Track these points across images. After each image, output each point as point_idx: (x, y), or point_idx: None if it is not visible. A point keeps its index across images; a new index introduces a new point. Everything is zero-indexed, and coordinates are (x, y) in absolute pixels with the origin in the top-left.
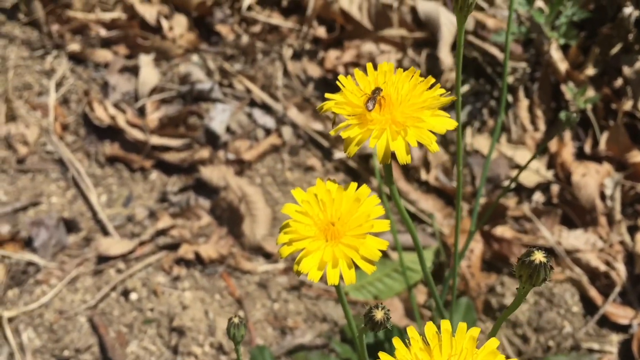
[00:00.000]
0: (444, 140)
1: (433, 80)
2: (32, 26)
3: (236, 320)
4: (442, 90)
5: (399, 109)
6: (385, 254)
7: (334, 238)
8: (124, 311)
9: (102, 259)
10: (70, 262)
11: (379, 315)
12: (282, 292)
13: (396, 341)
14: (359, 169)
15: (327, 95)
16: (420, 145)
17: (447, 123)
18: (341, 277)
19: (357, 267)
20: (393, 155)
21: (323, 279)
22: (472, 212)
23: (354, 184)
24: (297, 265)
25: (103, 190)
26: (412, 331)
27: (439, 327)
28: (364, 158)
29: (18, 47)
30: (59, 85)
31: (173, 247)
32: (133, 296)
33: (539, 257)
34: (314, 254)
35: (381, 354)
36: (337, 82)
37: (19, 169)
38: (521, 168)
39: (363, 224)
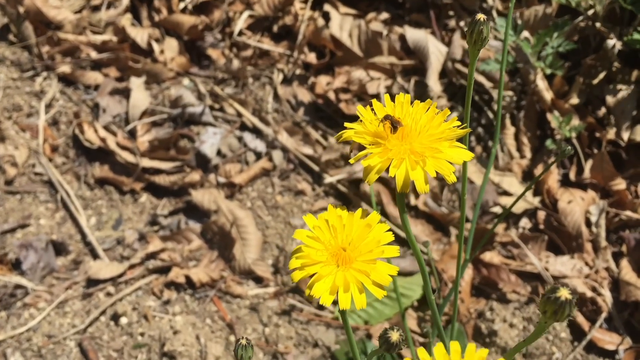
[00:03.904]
0: None
1: (449, 112)
2: (22, 47)
3: (244, 341)
4: (458, 122)
5: (418, 139)
6: None
7: (345, 263)
8: (113, 336)
9: (92, 282)
10: (59, 286)
11: (394, 336)
12: (272, 316)
13: (421, 352)
14: (349, 194)
15: (346, 124)
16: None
17: (464, 154)
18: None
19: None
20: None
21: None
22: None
23: (363, 210)
24: (309, 289)
25: (92, 213)
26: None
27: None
28: (354, 183)
29: (8, 68)
30: (48, 106)
31: (163, 270)
32: (123, 320)
33: (564, 293)
34: (325, 279)
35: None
36: (357, 112)
37: (7, 190)
38: (517, 198)
39: (374, 249)
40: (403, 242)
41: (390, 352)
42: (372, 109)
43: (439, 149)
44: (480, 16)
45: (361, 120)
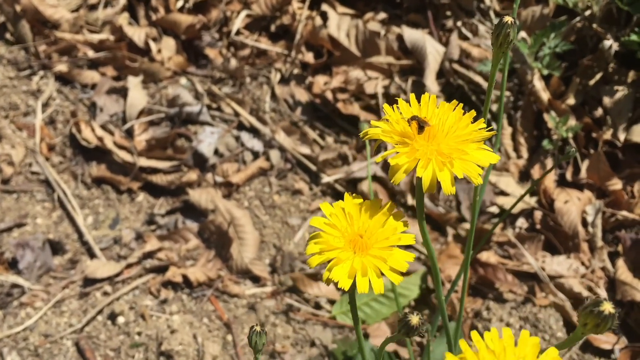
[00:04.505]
0: None
1: (475, 113)
2: (19, 46)
3: (258, 328)
4: (485, 124)
5: (445, 140)
6: None
7: (361, 250)
8: (110, 335)
9: (89, 282)
10: (56, 285)
11: (414, 320)
12: (270, 315)
13: (463, 343)
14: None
15: (373, 122)
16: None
17: (491, 157)
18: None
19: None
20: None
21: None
22: (459, 239)
23: (379, 200)
24: (329, 272)
25: (89, 212)
26: (475, 335)
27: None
28: (352, 182)
29: (4, 66)
30: (45, 105)
31: (160, 270)
32: (120, 320)
33: (608, 307)
34: (344, 263)
35: (447, 354)
36: (384, 110)
37: (3, 190)
38: (517, 200)
39: (390, 236)
40: None
41: (409, 335)
42: (398, 109)
43: (466, 151)
44: (508, 19)
45: (387, 120)
